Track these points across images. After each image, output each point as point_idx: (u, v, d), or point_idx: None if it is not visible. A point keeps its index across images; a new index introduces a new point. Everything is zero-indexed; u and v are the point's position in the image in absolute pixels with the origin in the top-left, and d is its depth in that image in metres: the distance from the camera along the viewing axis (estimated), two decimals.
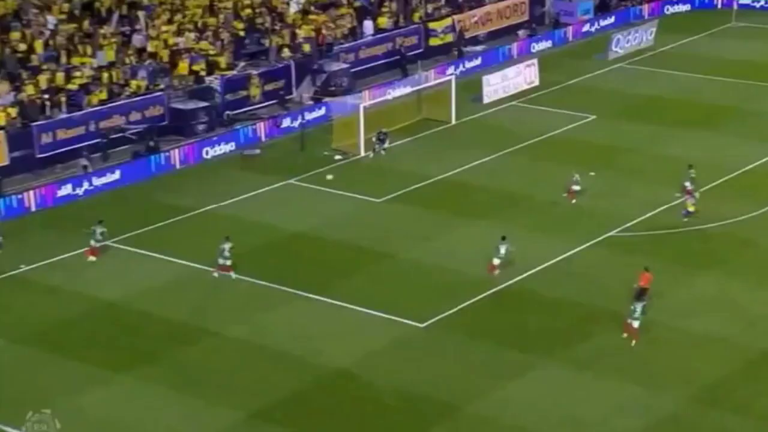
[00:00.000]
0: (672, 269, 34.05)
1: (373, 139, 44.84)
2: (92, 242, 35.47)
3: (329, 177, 41.46)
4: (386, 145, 44.66)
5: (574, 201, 38.66)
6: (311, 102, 49.38)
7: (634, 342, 29.93)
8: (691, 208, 37.00)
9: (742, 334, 30.36)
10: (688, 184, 38.45)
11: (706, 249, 35.40)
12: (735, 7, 62.28)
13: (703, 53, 57.01)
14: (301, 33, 52.32)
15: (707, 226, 36.82)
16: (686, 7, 64.79)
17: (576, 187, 39.04)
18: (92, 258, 35.30)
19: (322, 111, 48.48)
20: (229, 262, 34.16)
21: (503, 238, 34.14)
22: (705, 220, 37.16)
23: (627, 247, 35.43)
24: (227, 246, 34.21)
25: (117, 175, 42.12)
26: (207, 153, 44.67)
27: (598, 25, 61.32)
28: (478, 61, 55.52)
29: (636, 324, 29.98)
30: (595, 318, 31.53)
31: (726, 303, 32.06)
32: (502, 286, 33.46)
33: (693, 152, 42.92)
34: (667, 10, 64.28)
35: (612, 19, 61.86)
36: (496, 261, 34.04)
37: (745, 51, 56.88)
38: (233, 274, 33.97)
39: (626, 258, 34.79)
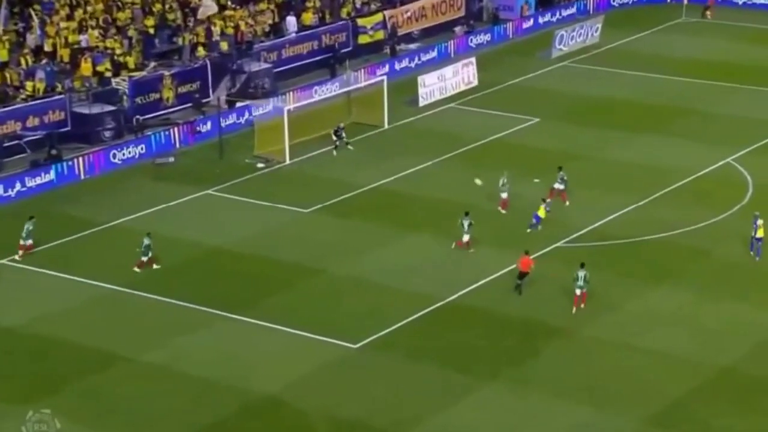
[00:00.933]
0: (623, 282, 34.81)
1: (333, 137, 45.20)
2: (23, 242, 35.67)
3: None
4: (344, 138, 45.32)
5: (503, 210, 39.33)
6: (227, 106, 49.36)
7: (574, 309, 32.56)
8: (542, 214, 37.49)
9: (698, 350, 31.18)
10: (557, 185, 38.89)
11: (658, 260, 36.22)
12: (685, 1, 63.86)
13: (652, 51, 58.30)
14: (217, 30, 52.27)
15: (659, 235, 37.69)
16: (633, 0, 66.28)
17: (504, 195, 39.63)
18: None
19: (245, 115, 48.60)
20: (145, 258, 34.53)
21: (466, 214, 36.24)
22: (657, 229, 38.05)
23: (575, 259, 36.10)
24: (146, 241, 35.39)
25: (18, 186, 41.64)
26: (115, 161, 44.44)
27: (541, 21, 62.46)
28: (412, 61, 56.09)
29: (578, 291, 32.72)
30: (542, 334, 32.09)
31: (681, 317, 32.87)
32: (443, 302, 33.85)
33: (642, 157, 43.98)
34: (614, 1, 65.64)
35: (555, 15, 63.03)
36: (465, 237, 35.89)
37: (697, 48, 58.40)
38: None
39: (575, 270, 35.46)
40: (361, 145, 46.54)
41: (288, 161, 44.76)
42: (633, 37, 60.56)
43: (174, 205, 41.02)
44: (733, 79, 53.02)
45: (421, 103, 50.99)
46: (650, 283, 34.74)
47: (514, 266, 35.39)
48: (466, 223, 36.46)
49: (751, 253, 36.12)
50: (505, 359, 30.98)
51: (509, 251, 36.45)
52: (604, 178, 42.57)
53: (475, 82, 53.40)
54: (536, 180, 42.33)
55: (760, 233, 35.87)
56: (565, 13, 63.01)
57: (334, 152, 45.24)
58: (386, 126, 48.37)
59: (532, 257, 34.77)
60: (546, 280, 35.01)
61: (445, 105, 51.15)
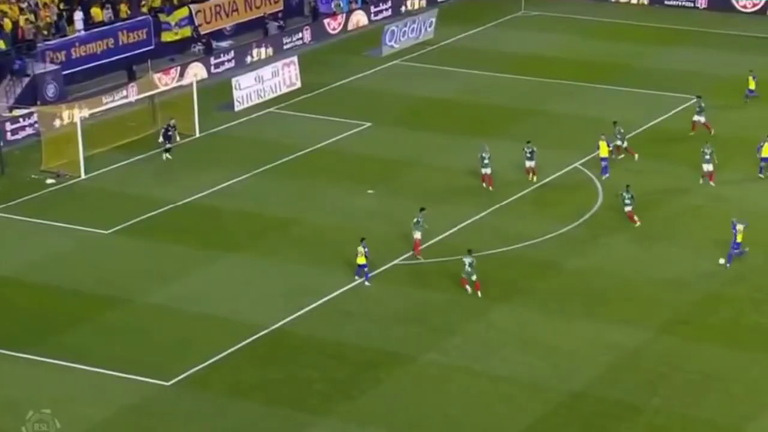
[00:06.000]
0: (465, 301, 35.34)
1: (160, 139, 44.60)
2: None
3: (370, 191, 41.19)
4: (178, 139, 44.85)
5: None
6: (10, 113, 47.98)
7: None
8: (417, 235, 37.88)
9: (547, 374, 31.87)
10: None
11: (503, 276, 36.94)
12: None
13: (490, 47, 59.75)
14: None
15: (503, 249, 38.49)
16: None
17: (486, 170, 42.07)
18: None
19: (29, 124, 47.48)
20: None
21: (421, 209, 37.65)
22: (501, 242, 38.86)
23: (415, 277, 36.44)
24: None
25: None
26: None
27: (369, 15, 63.17)
28: (226, 61, 55.82)
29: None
30: (379, 363, 32.27)
31: (527, 339, 33.56)
32: (268, 330, 33.69)
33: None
34: None
35: (385, 7, 63.85)
36: (417, 235, 37.10)
37: (538, 44, 60.18)
38: None
39: (413, 290, 35.83)
40: (161, 151, 45.83)
41: (83, 176, 43.90)
42: (470, 32, 61.94)
43: None
44: (577, 76, 54.85)
45: (237, 107, 50.79)
46: (494, 301, 35.41)
47: (347, 287, 35.35)
48: (419, 218, 37.50)
49: (721, 261, 36.93)
50: (340, 392, 30.97)
51: (342, 269, 36.52)
52: (443, 187, 43.20)
53: (298, 84, 53.55)
54: (370, 191, 42.66)
55: (739, 238, 36.75)
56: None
57: (167, 156, 44.56)
58: (197, 134, 47.97)
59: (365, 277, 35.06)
60: (381, 303, 35.22)
61: (264, 110, 51.05)
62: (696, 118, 47.53)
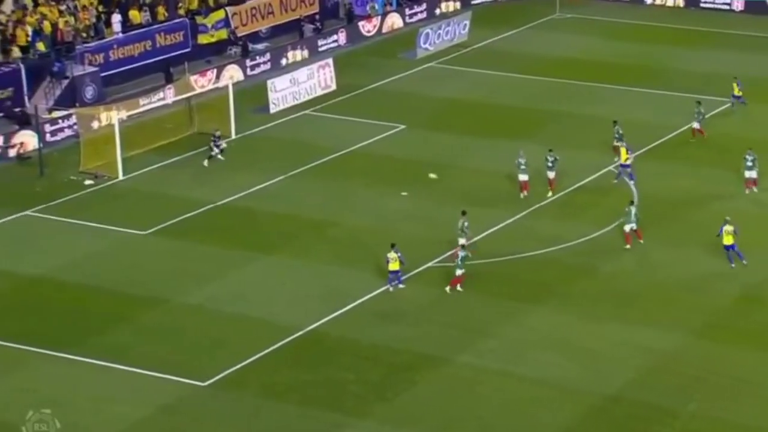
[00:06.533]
0: (499, 304, 35.28)
1: (214, 151, 45.01)
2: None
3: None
4: (223, 145, 45.18)
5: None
6: (50, 115, 48.30)
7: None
8: (462, 240, 37.46)
9: (581, 377, 31.72)
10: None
11: (538, 279, 36.81)
12: None
13: (524, 49, 59.55)
14: (28, 28, 50.94)
15: (538, 252, 38.32)
16: None
17: (523, 176, 41.74)
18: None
19: (68, 126, 47.79)
20: None
21: (463, 213, 37.19)
22: (536, 245, 38.68)
23: (448, 280, 36.35)
24: None
25: None
26: None
27: (404, 17, 63.07)
28: (262, 63, 55.91)
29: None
30: (413, 365, 32.20)
31: (561, 341, 33.44)
32: (303, 332, 33.69)
33: (516, 166, 44.37)
34: None
35: (419, 10, 63.77)
36: (462, 241, 36.39)
37: (573, 46, 59.91)
38: None
39: (446, 293, 35.75)
40: (205, 157, 46.00)
41: (121, 177, 44.09)
42: (504, 34, 61.76)
43: None
44: (612, 79, 54.57)
45: (272, 110, 50.86)
46: (529, 304, 35.28)
47: (381, 289, 35.40)
48: (462, 223, 37.14)
49: (733, 264, 36.91)
50: (375, 394, 30.94)
51: (369, 271, 36.50)
52: (476, 190, 43.09)
53: (333, 86, 53.57)
54: (404, 193, 42.63)
55: (726, 240, 36.63)
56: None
57: (206, 162, 44.94)
58: (233, 136, 48.07)
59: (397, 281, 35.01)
60: (417, 305, 35.17)
61: (299, 112, 51.11)
62: (695, 125, 46.87)
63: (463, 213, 37.88)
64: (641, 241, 38.55)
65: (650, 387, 31.15)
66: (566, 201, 42.22)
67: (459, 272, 35.59)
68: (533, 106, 51.81)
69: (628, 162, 43.21)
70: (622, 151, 43.38)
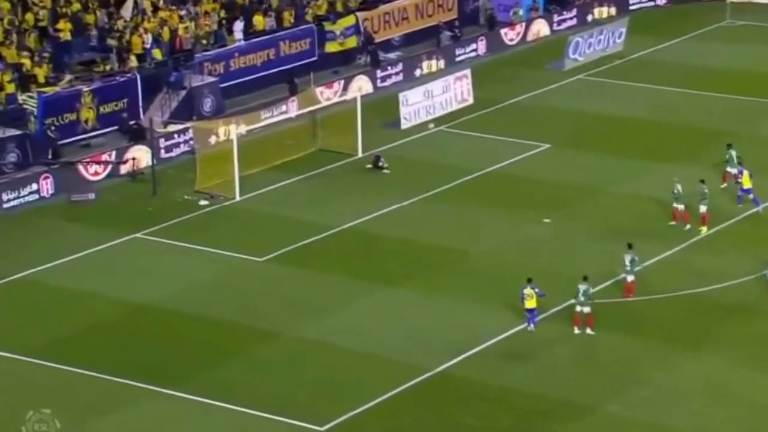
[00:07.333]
0: (650, 347, 34.90)
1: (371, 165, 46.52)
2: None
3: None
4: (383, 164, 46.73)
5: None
6: (165, 129, 49.46)
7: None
8: (630, 278, 37.21)
9: (736, 430, 31.18)
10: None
11: (695, 320, 36.37)
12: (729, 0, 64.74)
13: (687, 61, 58.88)
14: (147, 36, 52.35)
15: (696, 290, 37.82)
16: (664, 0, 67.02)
17: (680, 206, 41.50)
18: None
19: (184, 141, 48.86)
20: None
21: (630, 246, 36.69)
22: (694, 282, 38.19)
23: (591, 319, 36.14)
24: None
25: None
26: (19, 197, 44.40)
27: (551, 24, 62.93)
28: (393, 74, 56.43)
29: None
30: (552, 413, 32.08)
31: (720, 392, 32.86)
32: (427, 375, 33.77)
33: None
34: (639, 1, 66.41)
35: (569, 16, 63.62)
36: (630, 278, 36.65)
37: (743, 57, 59.01)
38: None
39: (586, 333, 35.58)
40: (329, 177, 46.70)
41: (238, 197, 44.82)
42: (666, 44, 61.14)
43: (94, 252, 40.95)
44: None
45: (403, 125, 51.24)
46: (685, 347, 34.85)
47: (516, 329, 35.39)
48: (627, 259, 36.96)
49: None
50: None
51: (503, 307, 36.54)
52: (630, 218, 42.76)
53: (471, 100, 53.73)
54: (546, 220, 42.56)
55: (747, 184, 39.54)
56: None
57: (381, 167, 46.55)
58: (360, 154, 48.53)
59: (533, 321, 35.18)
60: (554, 345, 35.05)
61: (432, 128, 51.36)
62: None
63: (630, 246, 37.47)
64: None
65: None
66: (735, 233, 41.66)
67: (585, 309, 35.30)
68: (697, 124, 51.11)
69: (749, 188, 42.66)
70: (745, 176, 42.62)
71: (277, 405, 32.30)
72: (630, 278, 37.27)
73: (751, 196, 42.84)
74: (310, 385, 33.46)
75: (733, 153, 44.56)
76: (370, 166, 47.09)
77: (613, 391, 32.91)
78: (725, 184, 44.17)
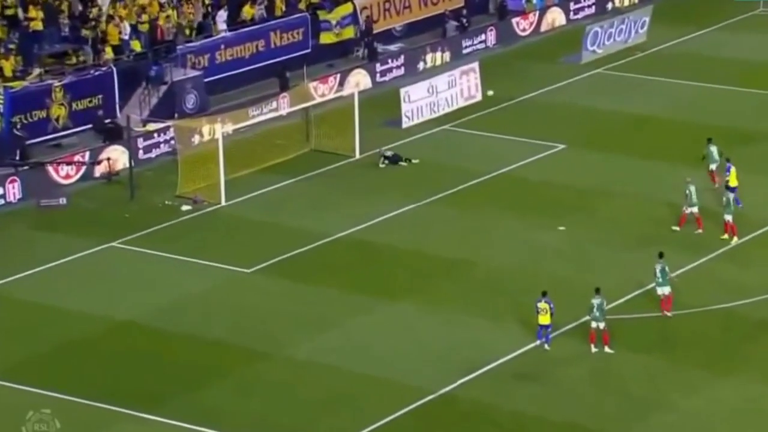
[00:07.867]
0: (676, 368, 34.72)
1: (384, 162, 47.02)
2: None
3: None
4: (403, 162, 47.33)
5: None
6: (144, 127, 49.38)
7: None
8: (666, 290, 37.08)
9: None
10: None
11: (724, 338, 36.25)
12: None
13: (716, 53, 58.90)
14: (124, 25, 52.13)
15: (726, 305, 37.67)
16: None
17: (693, 209, 41.57)
18: None
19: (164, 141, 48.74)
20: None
21: (660, 256, 37.00)
22: (723, 296, 38.04)
23: (612, 338, 35.90)
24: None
25: None
26: None
27: (567, 13, 62.88)
28: (394, 68, 56.35)
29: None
30: None
31: (754, 417, 32.63)
32: (431, 396, 33.64)
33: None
34: None
35: (586, 4, 63.50)
36: (665, 291, 36.95)
37: None
38: None
39: (604, 352, 35.39)
40: (324, 180, 46.66)
41: (223, 202, 44.82)
42: (692, 34, 61.24)
43: (64, 263, 40.90)
44: None
45: (405, 124, 51.26)
46: (714, 369, 34.68)
47: (528, 347, 35.25)
48: (658, 269, 36.94)
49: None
50: None
51: (513, 323, 36.42)
52: (649, 224, 42.65)
53: (479, 96, 53.75)
54: (561, 227, 42.50)
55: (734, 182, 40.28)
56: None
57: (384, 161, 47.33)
58: (357, 155, 48.54)
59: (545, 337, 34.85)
60: (567, 365, 34.92)
61: (437, 127, 51.36)
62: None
63: (660, 255, 37.33)
64: None
65: None
66: (759, 242, 41.42)
67: (600, 325, 35.17)
68: (725, 122, 51.00)
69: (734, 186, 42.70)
70: (732, 173, 42.67)
71: (268, 430, 32.20)
72: (664, 291, 37.03)
73: (732, 195, 42.40)
74: (304, 408, 33.35)
75: (713, 148, 44.53)
76: (384, 164, 47.20)
77: (635, 416, 32.79)
78: (717, 185, 44.02)
